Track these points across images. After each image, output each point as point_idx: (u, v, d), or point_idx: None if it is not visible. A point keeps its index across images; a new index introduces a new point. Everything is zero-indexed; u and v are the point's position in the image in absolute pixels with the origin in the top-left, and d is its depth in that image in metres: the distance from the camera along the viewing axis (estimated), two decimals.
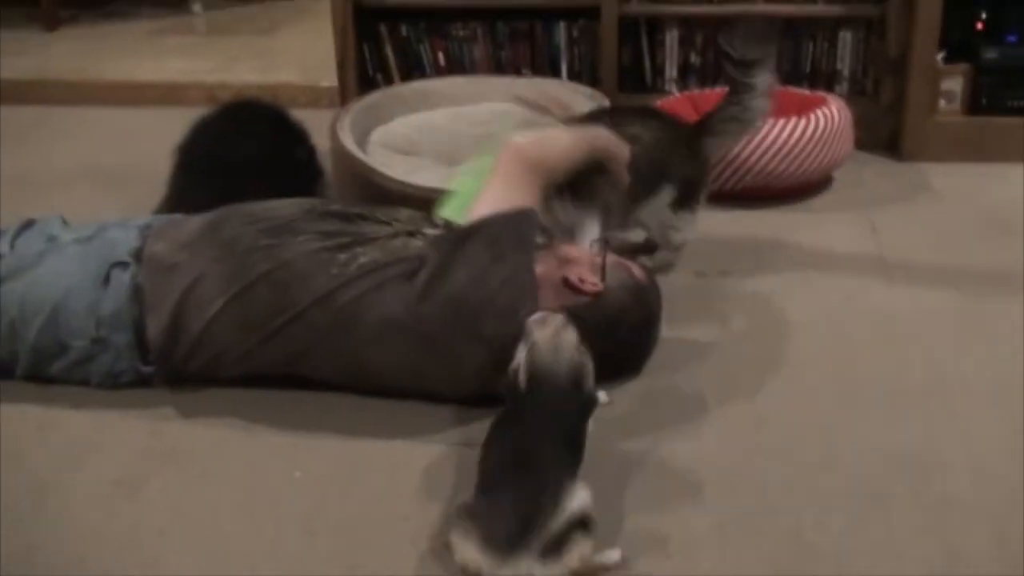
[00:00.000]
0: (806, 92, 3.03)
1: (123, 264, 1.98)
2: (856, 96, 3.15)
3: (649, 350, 2.04)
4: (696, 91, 3.10)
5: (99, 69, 3.97)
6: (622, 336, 1.95)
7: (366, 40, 3.32)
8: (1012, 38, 2.98)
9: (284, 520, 1.66)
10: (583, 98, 2.91)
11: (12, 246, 2.06)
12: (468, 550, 1.44)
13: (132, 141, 3.38)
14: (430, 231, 2.02)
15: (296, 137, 2.64)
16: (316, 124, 2.72)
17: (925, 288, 2.37)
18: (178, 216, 2.15)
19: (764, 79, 2.32)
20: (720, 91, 2.52)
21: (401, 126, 2.99)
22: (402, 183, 2.56)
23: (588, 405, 1.61)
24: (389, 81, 3.32)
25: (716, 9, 3.16)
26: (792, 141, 2.69)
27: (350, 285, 1.88)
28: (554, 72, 3.28)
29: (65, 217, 2.18)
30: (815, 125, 2.72)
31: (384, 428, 1.87)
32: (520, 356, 1.59)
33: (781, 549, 1.58)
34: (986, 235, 2.61)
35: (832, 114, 2.77)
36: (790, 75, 3.14)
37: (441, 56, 3.32)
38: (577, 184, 2.17)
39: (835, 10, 3.12)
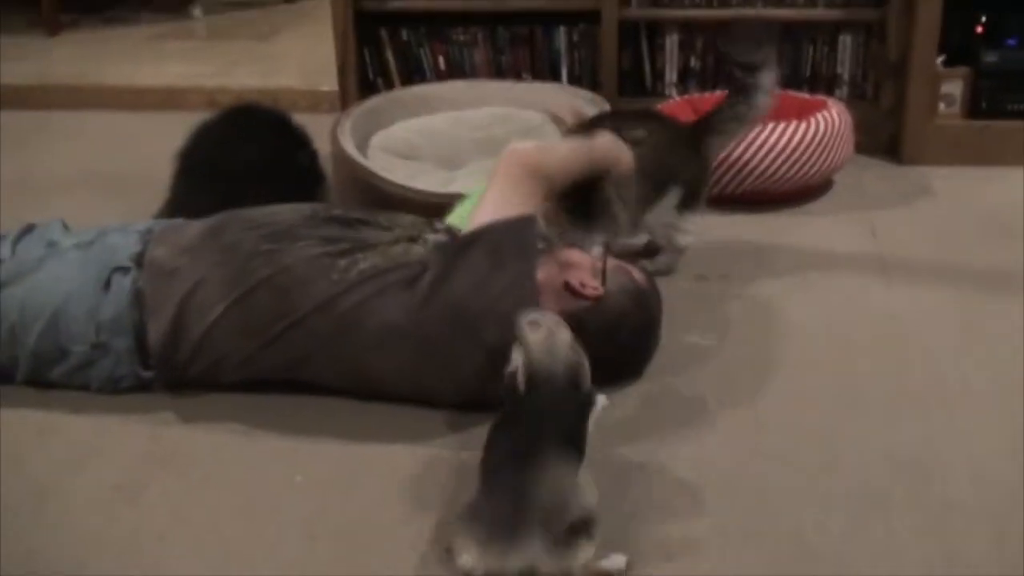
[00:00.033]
0: (806, 96, 3.03)
1: (124, 269, 1.98)
2: (856, 100, 3.15)
3: (650, 353, 2.04)
4: (696, 95, 3.10)
5: (100, 74, 3.97)
6: (623, 340, 1.95)
7: (367, 44, 3.32)
8: (1012, 42, 2.98)
9: (285, 524, 1.66)
10: (583, 102, 2.91)
11: (13, 251, 2.06)
12: (470, 548, 1.43)
13: (133, 145, 3.38)
14: (431, 236, 2.02)
15: (298, 142, 2.64)
16: (317, 128, 2.72)
17: (925, 291, 2.37)
18: (179, 221, 2.15)
19: (768, 78, 2.33)
20: (721, 94, 2.53)
21: (402, 130, 2.99)
22: (403, 187, 2.56)
23: (586, 404, 1.61)
24: (390, 85, 3.33)
25: (716, 13, 3.16)
26: (792, 145, 2.69)
27: (351, 291, 1.88)
28: (554, 76, 3.28)
29: (66, 222, 2.18)
30: (815, 129, 2.72)
31: (384, 433, 1.87)
32: (516, 358, 1.59)
33: (782, 551, 1.58)
34: (986, 238, 2.61)
35: (832, 118, 2.77)
36: (790, 79, 3.14)
37: (442, 60, 3.32)
38: (582, 197, 2.16)
39: (835, 14, 3.12)
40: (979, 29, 3.01)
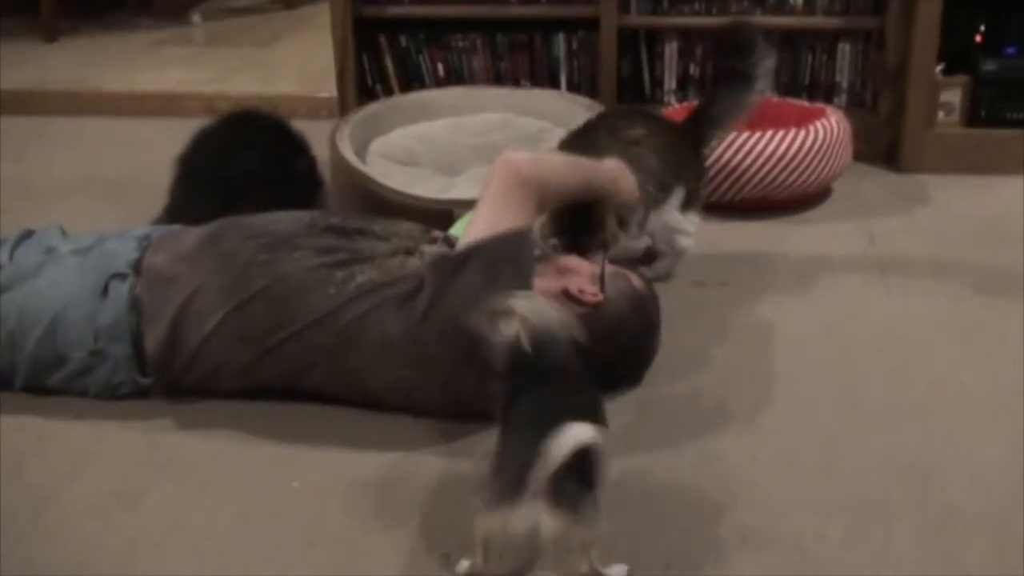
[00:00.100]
0: (805, 104, 3.04)
1: (121, 276, 1.98)
2: (855, 108, 3.15)
3: (649, 359, 2.04)
4: (695, 102, 3.09)
5: (98, 80, 3.97)
6: (622, 345, 1.95)
7: (366, 51, 3.32)
8: (1011, 50, 2.99)
9: (282, 531, 1.66)
10: (582, 109, 2.91)
11: (11, 257, 2.06)
12: (481, 518, 1.39)
13: (131, 151, 3.38)
14: (428, 248, 2.01)
15: (297, 148, 2.63)
16: (315, 135, 2.73)
17: (924, 298, 2.37)
18: (177, 227, 2.15)
19: (769, 64, 2.36)
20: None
21: (400, 137, 2.99)
22: (401, 194, 2.56)
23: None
24: (388, 92, 3.33)
25: (715, 21, 3.16)
26: (791, 153, 2.70)
27: (349, 305, 1.88)
28: (553, 83, 3.29)
29: (64, 227, 2.18)
30: (814, 137, 2.72)
31: (382, 440, 1.87)
32: (508, 328, 1.55)
33: (781, 558, 1.58)
34: (984, 246, 2.61)
35: (831, 126, 2.78)
36: (789, 87, 3.15)
37: (441, 67, 3.32)
38: (577, 218, 2.12)
39: (834, 22, 3.12)
40: (978, 38, 3.02)
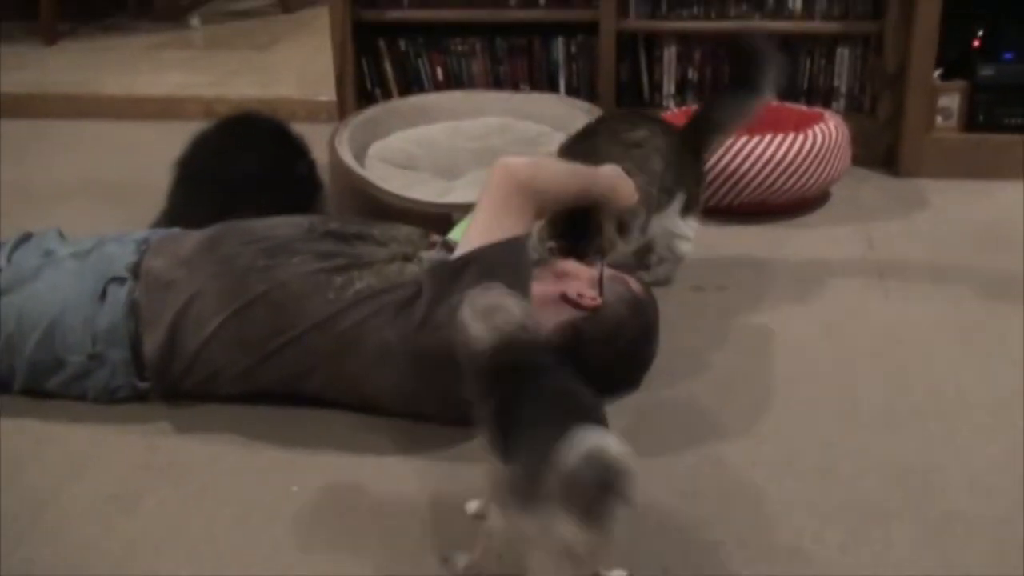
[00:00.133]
0: (803, 108, 3.04)
1: (120, 279, 1.98)
2: (853, 112, 3.15)
3: (647, 363, 2.05)
4: (694, 106, 3.10)
5: (98, 83, 3.98)
6: (620, 349, 1.95)
7: (365, 55, 3.32)
8: (1009, 56, 2.99)
9: (281, 535, 1.66)
10: (581, 113, 2.92)
11: (9, 259, 2.06)
12: (496, 523, 1.37)
13: (130, 155, 3.39)
14: (426, 254, 2.01)
15: (297, 151, 2.64)
16: (314, 138, 2.73)
17: (922, 302, 2.37)
18: (176, 231, 2.15)
19: (775, 72, 2.37)
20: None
21: (399, 140, 3.00)
22: (400, 197, 2.56)
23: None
24: (387, 96, 3.33)
25: (714, 25, 3.17)
26: (790, 157, 2.70)
27: (347, 312, 1.88)
28: (552, 87, 3.29)
29: (63, 230, 2.18)
30: (812, 141, 2.73)
31: (380, 444, 1.87)
32: (473, 328, 1.53)
33: (780, 562, 1.58)
34: (982, 250, 2.62)
35: (829, 130, 2.78)
36: (787, 91, 3.15)
37: (440, 71, 3.33)
38: (574, 224, 2.11)
39: (833, 27, 3.13)
40: (976, 43, 3.02)
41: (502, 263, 1.85)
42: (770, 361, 2.14)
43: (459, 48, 3.30)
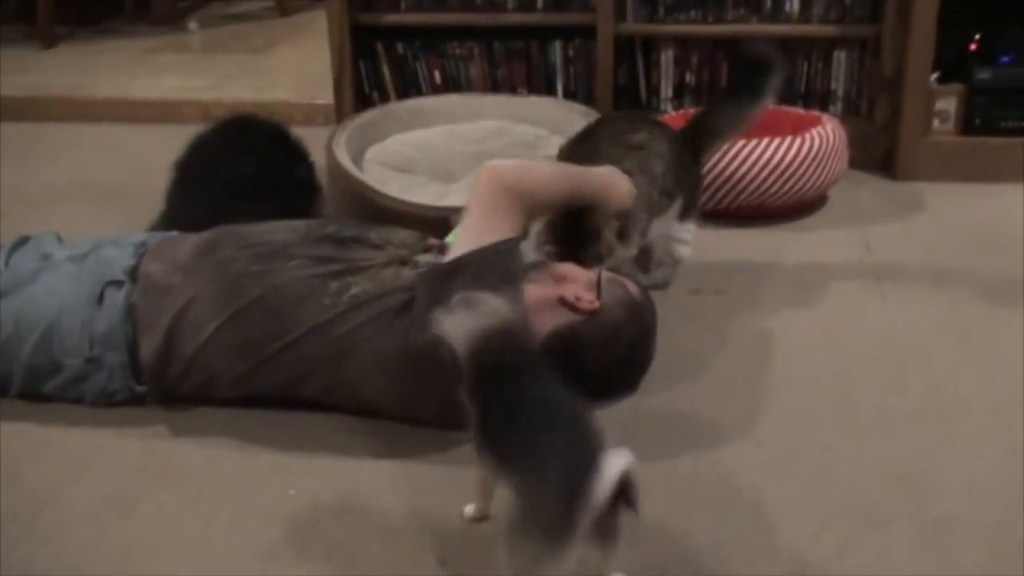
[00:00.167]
0: (801, 112, 3.04)
1: (117, 283, 1.98)
2: (851, 116, 3.16)
3: (645, 366, 2.04)
4: (692, 110, 3.10)
5: (95, 86, 3.97)
6: (618, 352, 1.95)
7: (362, 58, 3.32)
8: (1005, 59, 2.99)
9: (278, 539, 1.65)
10: (578, 116, 2.92)
11: (7, 263, 2.06)
12: (522, 559, 1.35)
13: (127, 158, 3.39)
14: (422, 258, 2.01)
15: (296, 154, 2.63)
16: (312, 141, 2.73)
17: (920, 306, 2.37)
18: (174, 234, 2.15)
19: (777, 79, 2.37)
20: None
21: (397, 144, 3.00)
22: (397, 200, 2.56)
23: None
24: (385, 99, 3.33)
25: (711, 29, 3.17)
26: (787, 160, 2.70)
27: (343, 317, 1.88)
28: (550, 91, 3.29)
29: (60, 234, 2.18)
30: (810, 144, 2.73)
31: (378, 448, 1.87)
32: (456, 332, 1.53)
33: (778, 565, 1.58)
34: (980, 253, 2.62)
35: (827, 134, 2.78)
36: (785, 95, 3.15)
37: (437, 74, 3.33)
38: (572, 227, 2.11)
39: (830, 30, 3.13)
40: (973, 46, 3.03)
41: (493, 266, 1.85)
42: (768, 364, 2.14)
43: (457, 51, 3.30)
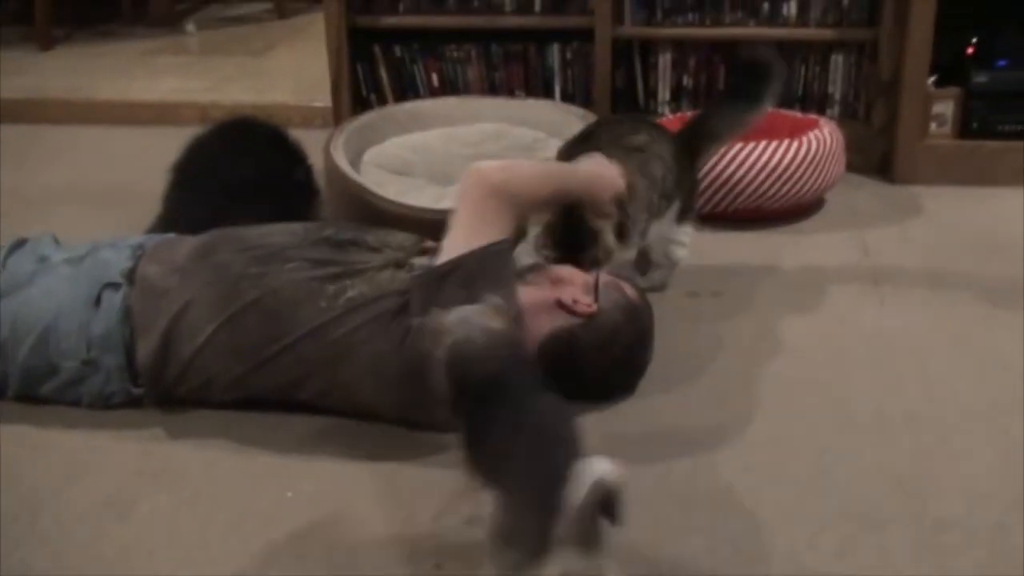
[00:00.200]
0: (798, 115, 3.04)
1: (115, 285, 1.98)
2: (848, 119, 3.16)
3: (642, 369, 2.04)
4: (689, 113, 3.11)
5: (93, 88, 3.97)
6: (615, 355, 1.95)
7: (360, 61, 3.32)
8: (1002, 63, 3.00)
9: (275, 541, 1.65)
10: (576, 119, 2.92)
11: (4, 265, 2.06)
12: (504, 567, 1.36)
13: (125, 160, 3.38)
14: (418, 261, 2.00)
15: (294, 156, 2.62)
16: (309, 144, 2.72)
17: (917, 309, 2.38)
18: (172, 236, 2.15)
19: (776, 87, 2.37)
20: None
21: (394, 146, 3.00)
22: (395, 203, 2.56)
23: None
24: (383, 102, 3.33)
25: (709, 32, 3.17)
26: (785, 164, 2.70)
27: (339, 320, 1.88)
28: (547, 94, 3.29)
29: (57, 236, 2.18)
30: (807, 148, 2.73)
31: (375, 450, 1.87)
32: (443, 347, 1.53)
33: (776, 569, 1.58)
34: (977, 257, 2.62)
35: (824, 137, 2.79)
36: (782, 98, 3.15)
37: (435, 77, 3.33)
38: (569, 228, 2.11)
39: (827, 34, 3.14)
40: (970, 50, 3.03)
41: (484, 269, 1.85)
42: (765, 367, 2.14)
43: (454, 54, 3.31)
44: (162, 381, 1.95)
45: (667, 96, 3.26)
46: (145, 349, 1.94)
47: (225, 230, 2.08)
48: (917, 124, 3.04)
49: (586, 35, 3.19)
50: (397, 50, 3.32)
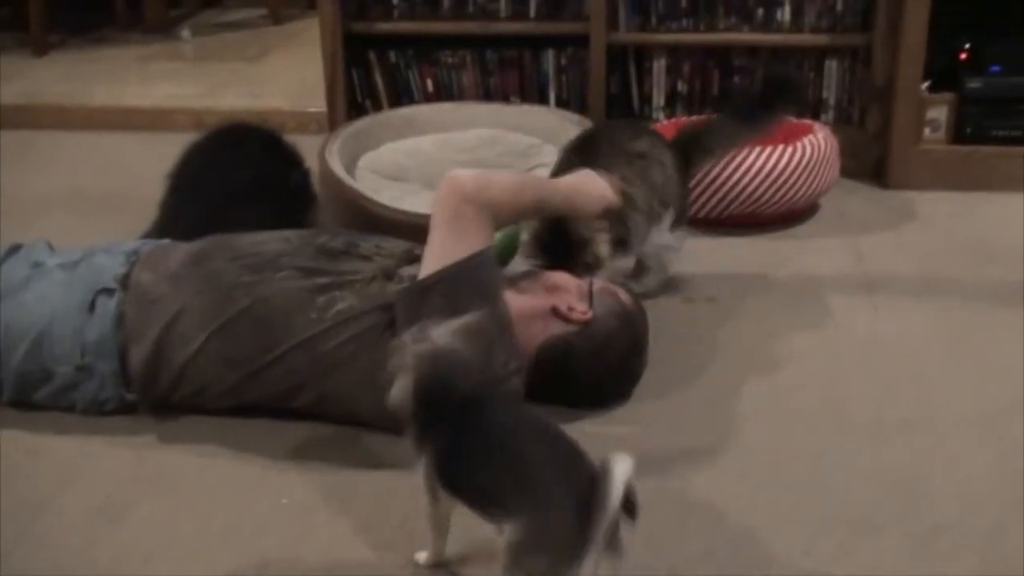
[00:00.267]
0: (792, 120, 3.04)
1: (109, 291, 1.98)
2: (842, 124, 3.17)
3: (637, 375, 2.04)
4: (684, 119, 3.11)
5: (87, 94, 3.97)
6: (610, 362, 1.95)
7: (355, 66, 3.33)
8: (995, 68, 3.01)
9: (270, 547, 1.65)
10: (571, 125, 2.92)
11: None
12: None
13: (120, 166, 3.38)
14: (407, 271, 1.98)
15: (291, 162, 2.62)
16: (305, 149, 2.72)
17: (911, 314, 2.38)
18: (166, 243, 2.15)
19: (782, 115, 2.40)
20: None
21: (389, 152, 3.00)
22: (390, 209, 2.56)
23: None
24: (378, 107, 3.33)
25: (703, 37, 3.18)
26: (779, 169, 2.71)
27: (329, 333, 1.88)
28: (542, 99, 3.29)
29: (51, 242, 2.18)
30: (802, 153, 2.74)
31: (370, 457, 1.87)
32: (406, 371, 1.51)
33: (771, 574, 1.58)
34: (970, 262, 2.63)
35: (818, 142, 2.79)
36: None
37: (430, 83, 3.33)
38: (559, 238, 2.11)
39: (821, 39, 3.14)
40: (963, 56, 3.04)
41: (465, 280, 1.83)
42: (759, 372, 2.14)
43: (449, 60, 3.31)
44: (155, 388, 1.95)
45: (662, 102, 3.27)
46: (137, 356, 1.94)
47: (219, 237, 2.07)
48: (911, 129, 3.05)
49: (581, 41, 3.20)
50: (392, 56, 3.32)
